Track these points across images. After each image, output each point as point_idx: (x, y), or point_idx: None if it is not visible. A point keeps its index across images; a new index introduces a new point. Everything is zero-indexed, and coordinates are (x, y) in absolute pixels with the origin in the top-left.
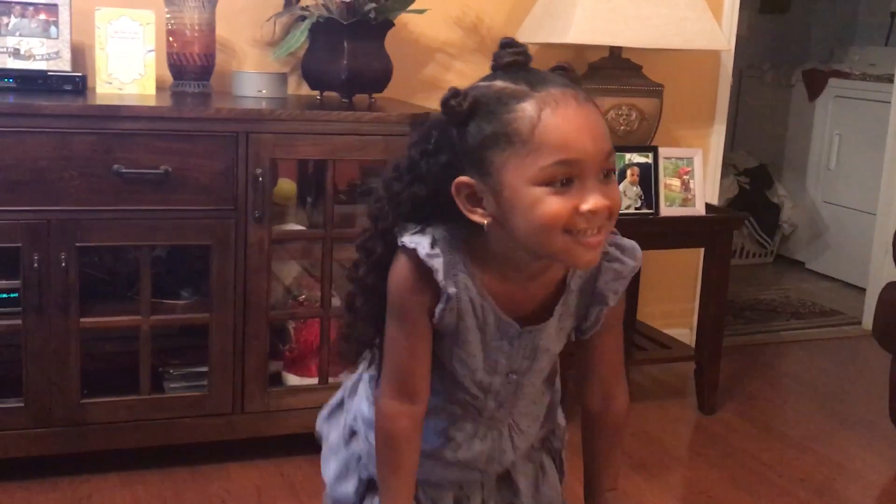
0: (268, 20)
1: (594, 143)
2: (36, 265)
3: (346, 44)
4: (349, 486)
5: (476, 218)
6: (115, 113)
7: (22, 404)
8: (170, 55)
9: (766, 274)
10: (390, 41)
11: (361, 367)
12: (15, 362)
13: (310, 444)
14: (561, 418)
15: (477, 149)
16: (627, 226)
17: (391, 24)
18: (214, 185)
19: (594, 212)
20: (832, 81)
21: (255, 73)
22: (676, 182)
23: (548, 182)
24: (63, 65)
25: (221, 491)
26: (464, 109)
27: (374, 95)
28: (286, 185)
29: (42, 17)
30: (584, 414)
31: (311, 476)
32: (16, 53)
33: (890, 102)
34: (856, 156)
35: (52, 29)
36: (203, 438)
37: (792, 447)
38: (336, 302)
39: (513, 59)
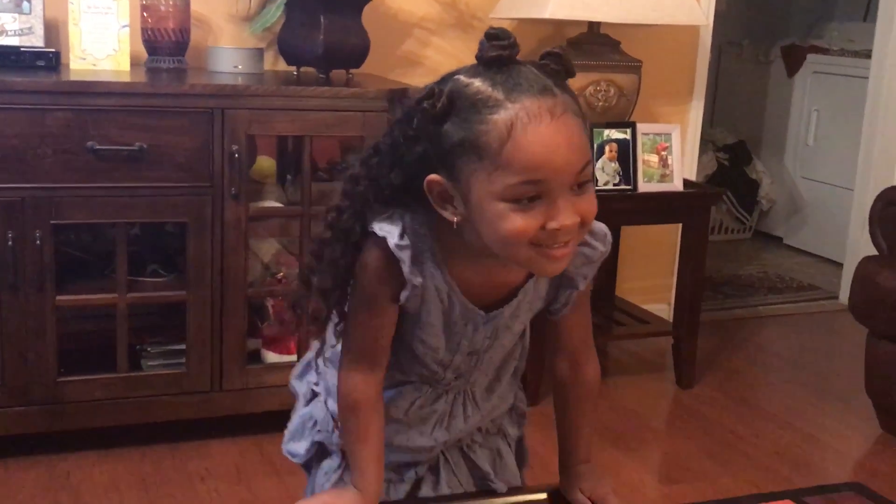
0: None
1: (564, 161)
2: (10, 243)
3: (322, 19)
4: (301, 446)
5: (446, 215)
6: (88, 89)
7: None
8: (144, 31)
9: (745, 249)
10: (368, 16)
11: (330, 334)
12: None
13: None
14: (521, 402)
15: (448, 153)
16: (605, 202)
17: None
18: (190, 161)
19: (559, 230)
20: (811, 57)
21: (230, 49)
22: (654, 158)
23: (513, 199)
24: (36, 40)
25: (201, 468)
26: (437, 112)
27: (352, 71)
28: (265, 163)
29: None
30: (554, 386)
31: None
32: None
33: (868, 78)
34: (834, 132)
35: (25, 4)
36: (182, 416)
37: (769, 421)
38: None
39: (496, 55)
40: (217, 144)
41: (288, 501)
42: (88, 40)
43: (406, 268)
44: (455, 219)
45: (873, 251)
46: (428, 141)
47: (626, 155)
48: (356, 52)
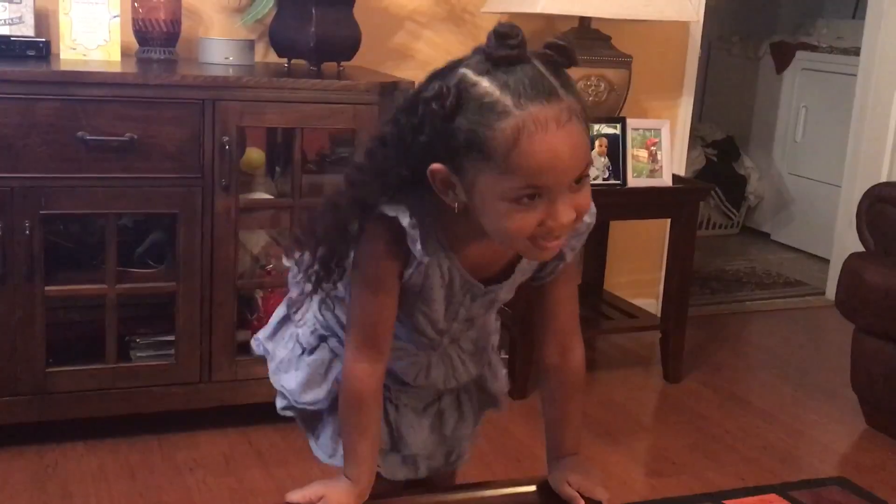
0: None
1: (567, 166)
2: None
3: (314, 11)
4: (320, 392)
5: (448, 200)
6: (79, 79)
7: None
8: (135, 21)
9: (732, 245)
10: (359, 9)
11: (298, 289)
12: None
13: (277, 413)
14: (496, 357)
15: (455, 151)
16: (595, 196)
17: None
18: (181, 153)
19: (558, 227)
20: (800, 54)
21: (221, 40)
22: (644, 153)
23: (516, 200)
24: (26, 30)
25: (189, 459)
26: (446, 112)
27: (343, 64)
28: (254, 154)
29: None
30: (542, 373)
31: (279, 444)
32: None
33: (856, 75)
34: (822, 128)
35: None
36: (170, 407)
37: (755, 415)
38: None
39: (505, 54)
40: (207, 136)
41: (276, 492)
42: (79, 30)
43: (417, 245)
44: (456, 204)
45: (860, 247)
46: (433, 130)
47: (615, 150)
48: (347, 45)
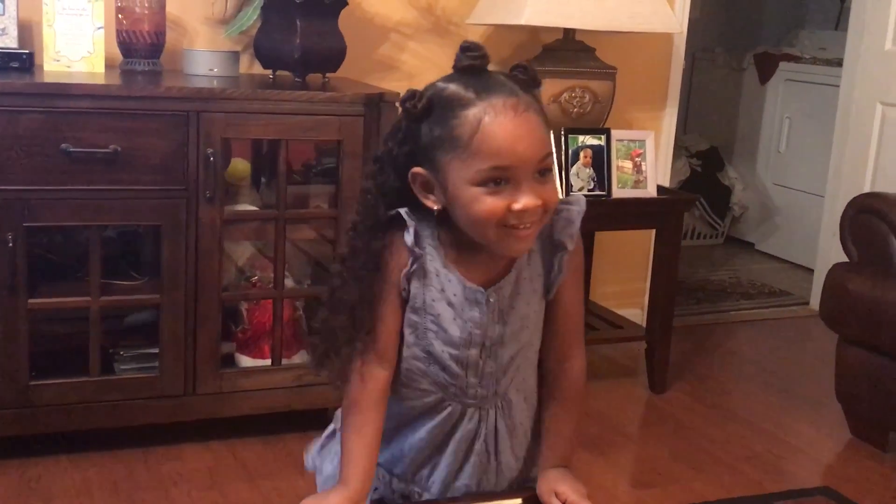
0: None
1: (527, 150)
2: None
3: (299, 22)
4: None
5: (428, 204)
6: (63, 91)
7: None
8: (119, 32)
9: (717, 255)
10: (344, 20)
11: None
12: None
13: (263, 426)
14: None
15: (428, 147)
16: None
17: (345, 3)
18: (165, 164)
19: (524, 211)
20: (783, 65)
21: (206, 52)
22: (628, 164)
23: (483, 183)
24: (10, 42)
25: (173, 473)
26: (418, 111)
27: (328, 75)
28: (240, 165)
29: None
30: (540, 378)
31: (264, 457)
32: None
33: (839, 86)
34: (805, 139)
35: None
36: (155, 420)
37: (740, 425)
38: (290, 283)
39: (469, 64)
40: (192, 147)
41: None
42: (63, 42)
43: (410, 234)
44: (436, 207)
45: (844, 258)
46: (412, 140)
47: (600, 161)
48: (332, 57)
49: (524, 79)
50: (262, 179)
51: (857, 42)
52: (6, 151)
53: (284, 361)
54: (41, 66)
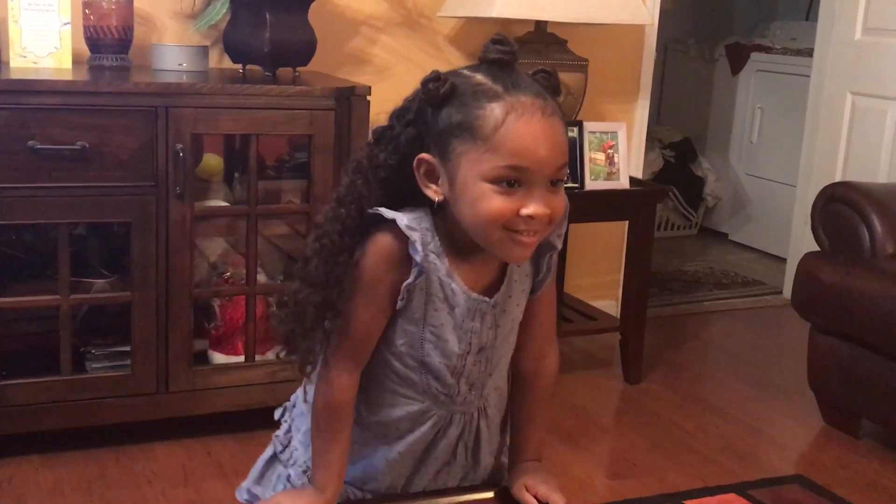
0: None
1: (547, 155)
2: None
3: (268, 16)
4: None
5: (430, 193)
6: (29, 87)
7: None
8: (86, 28)
9: (691, 246)
10: (314, 14)
11: (285, 427)
12: None
13: (236, 423)
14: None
15: (443, 133)
16: None
17: None
18: (134, 161)
19: (533, 217)
20: (754, 56)
21: (175, 47)
22: (601, 156)
23: (496, 181)
24: None
25: (147, 471)
26: (440, 94)
27: (298, 69)
28: (212, 161)
29: None
30: (514, 376)
31: (238, 454)
32: None
33: (810, 76)
34: (777, 129)
35: None
36: (127, 419)
37: (714, 415)
38: (262, 279)
39: (498, 57)
40: (161, 143)
41: (236, 503)
42: (29, 38)
43: (417, 244)
44: (438, 197)
45: (816, 247)
46: (424, 123)
47: (573, 153)
48: (303, 50)
49: (546, 85)
50: (235, 175)
51: (828, 32)
52: None
53: (258, 358)
54: (7, 63)
